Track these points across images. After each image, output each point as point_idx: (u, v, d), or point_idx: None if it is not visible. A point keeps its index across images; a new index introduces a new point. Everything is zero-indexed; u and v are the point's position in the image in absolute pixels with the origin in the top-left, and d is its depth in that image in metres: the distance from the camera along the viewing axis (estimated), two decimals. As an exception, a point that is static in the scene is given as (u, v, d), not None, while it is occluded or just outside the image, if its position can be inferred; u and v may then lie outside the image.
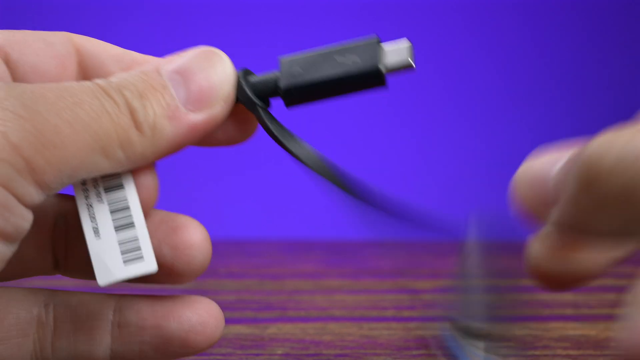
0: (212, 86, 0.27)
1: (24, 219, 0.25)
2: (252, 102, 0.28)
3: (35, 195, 0.25)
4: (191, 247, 0.29)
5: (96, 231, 0.27)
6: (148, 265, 0.27)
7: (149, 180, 0.28)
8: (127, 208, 0.28)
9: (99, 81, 0.26)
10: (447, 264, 0.57)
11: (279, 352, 0.38)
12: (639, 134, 0.22)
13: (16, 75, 0.28)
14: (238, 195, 1.24)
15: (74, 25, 1.28)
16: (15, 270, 0.29)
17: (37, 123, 0.24)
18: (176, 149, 0.27)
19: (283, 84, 0.28)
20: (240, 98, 0.28)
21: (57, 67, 0.29)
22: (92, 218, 0.28)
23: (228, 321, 0.43)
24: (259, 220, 1.12)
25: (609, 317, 0.44)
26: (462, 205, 1.26)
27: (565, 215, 0.24)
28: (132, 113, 0.26)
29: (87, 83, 0.26)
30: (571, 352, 0.38)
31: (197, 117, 0.27)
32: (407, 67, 0.28)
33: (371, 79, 0.28)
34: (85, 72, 0.29)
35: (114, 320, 0.29)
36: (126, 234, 0.28)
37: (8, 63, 0.28)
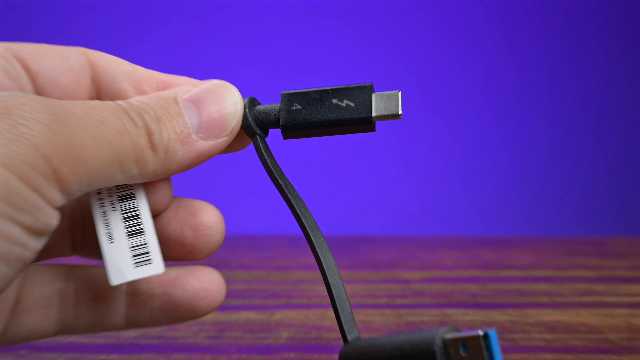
0: (222, 118, 0.28)
1: (52, 218, 0.25)
2: (252, 131, 0.28)
3: (60, 200, 0.25)
4: (209, 228, 0.29)
5: (110, 236, 0.28)
6: (156, 268, 0.28)
7: (161, 190, 0.29)
8: (137, 216, 0.28)
9: (122, 103, 0.27)
10: (434, 257, 0.57)
11: (285, 335, 0.38)
12: None
13: (35, 85, 0.29)
14: (248, 197, 1.24)
15: (73, 25, 1.24)
16: (40, 254, 0.29)
17: (66, 137, 0.25)
18: (183, 169, 0.28)
19: (282, 120, 0.28)
20: (243, 125, 0.28)
21: (73, 80, 0.29)
22: (106, 224, 0.28)
23: (238, 308, 0.43)
24: (266, 218, 1.12)
25: (580, 305, 0.44)
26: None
27: None
28: (150, 135, 0.26)
29: (110, 103, 0.26)
30: (546, 336, 0.38)
31: (205, 145, 0.27)
32: (396, 118, 0.28)
33: (363, 125, 0.28)
34: (99, 85, 0.30)
35: (127, 289, 0.29)
36: (137, 240, 0.28)
37: (28, 73, 0.29)
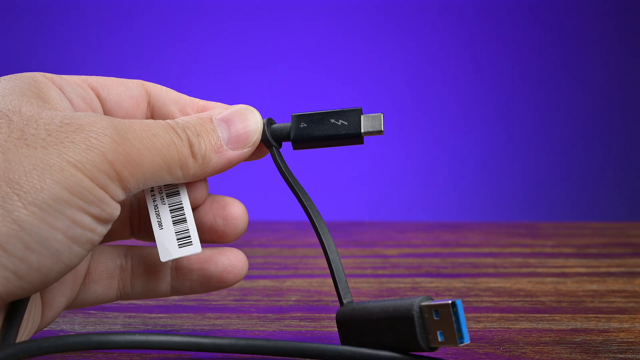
0: (246, 134, 0.28)
1: (115, 209, 0.25)
2: (270, 144, 0.29)
3: (121, 195, 0.25)
4: (236, 218, 0.29)
5: (160, 224, 0.28)
6: (195, 248, 0.28)
7: (199, 188, 0.29)
8: (181, 208, 0.28)
9: (170, 121, 0.27)
10: (406, 237, 0.57)
11: (293, 299, 0.38)
12: None
13: (104, 108, 0.29)
14: (265, 192, 1.22)
15: (75, 24, 1.19)
16: (105, 238, 0.30)
17: (126, 147, 0.25)
18: (217, 173, 0.28)
19: (292, 135, 0.29)
20: (263, 139, 0.29)
21: (133, 105, 0.30)
22: (157, 214, 0.28)
23: (257, 277, 0.43)
24: (278, 207, 1.11)
25: (518, 274, 0.43)
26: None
27: None
28: (191, 146, 0.27)
29: (161, 122, 0.27)
30: (493, 299, 0.37)
31: (234, 154, 0.28)
32: (379, 133, 0.29)
33: (354, 139, 0.29)
34: (152, 108, 0.30)
35: (172, 265, 0.30)
36: (180, 227, 0.28)
37: (99, 98, 0.29)
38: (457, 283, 0.41)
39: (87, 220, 0.24)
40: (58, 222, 0.24)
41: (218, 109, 0.29)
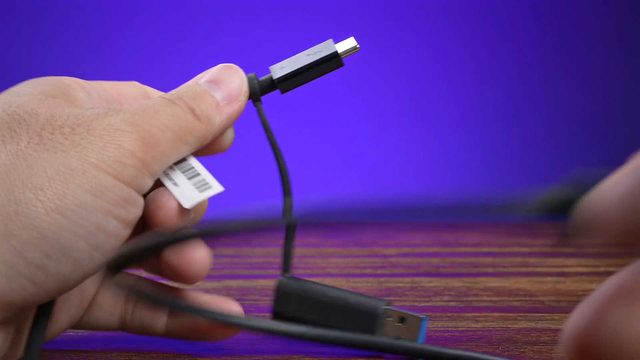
0: (237, 87, 0.29)
1: (139, 208, 0.25)
2: (257, 96, 0.29)
3: (149, 182, 0.25)
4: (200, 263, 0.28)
5: (175, 184, 0.27)
6: (216, 188, 0.28)
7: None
8: (192, 167, 0.28)
9: (164, 95, 0.28)
10: (406, 237, 0.57)
11: (292, 298, 0.38)
12: None
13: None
14: (268, 194, 1.22)
15: (73, 24, 1.18)
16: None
17: (139, 133, 0.25)
18: (224, 129, 0.28)
19: (276, 77, 0.29)
20: (251, 93, 0.29)
21: (141, 96, 0.30)
22: (169, 178, 0.27)
23: (256, 277, 0.43)
24: (278, 206, 1.11)
25: (517, 274, 0.43)
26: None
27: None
28: (192, 111, 0.27)
29: (157, 98, 0.27)
30: (493, 298, 0.37)
31: (232, 108, 0.28)
32: (355, 49, 0.29)
33: (333, 61, 0.29)
34: None
35: None
36: (196, 179, 0.28)
37: (112, 98, 0.29)
38: (456, 282, 0.41)
39: (112, 225, 0.24)
40: (81, 229, 0.23)
41: (199, 75, 0.29)
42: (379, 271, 0.44)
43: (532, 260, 0.47)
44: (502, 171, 1.24)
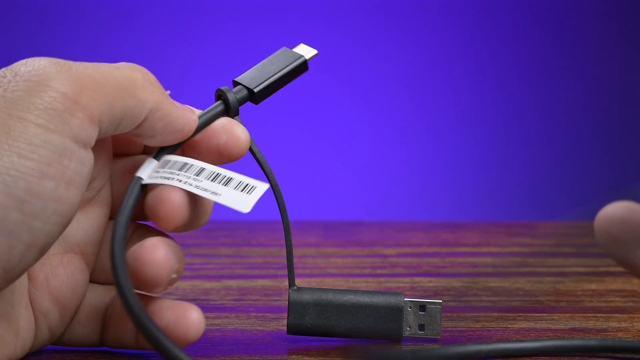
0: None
1: (82, 164, 0.22)
2: (237, 111, 0.29)
3: (92, 131, 0.22)
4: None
5: (215, 194, 0.26)
6: (262, 187, 0.27)
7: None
8: (218, 174, 0.27)
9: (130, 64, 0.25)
10: (406, 237, 0.57)
11: (291, 298, 0.38)
12: None
13: None
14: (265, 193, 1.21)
15: (73, 24, 1.17)
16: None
17: (75, 76, 0.22)
18: (189, 122, 0.26)
19: (257, 90, 0.29)
20: (233, 108, 0.28)
21: None
22: (205, 190, 0.26)
23: (256, 277, 0.43)
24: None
25: (517, 274, 0.43)
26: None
27: None
28: (151, 81, 0.25)
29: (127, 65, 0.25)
30: (492, 298, 0.37)
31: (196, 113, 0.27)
32: (315, 55, 0.30)
33: (301, 67, 0.30)
34: None
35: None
36: (232, 183, 0.27)
37: None
38: (455, 282, 0.41)
39: (49, 187, 0.21)
40: (8, 199, 0.20)
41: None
42: (379, 271, 0.44)
43: (531, 260, 0.47)
44: (502, 171, 1.24)
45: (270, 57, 0.30)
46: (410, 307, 0.29)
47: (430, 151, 1.24)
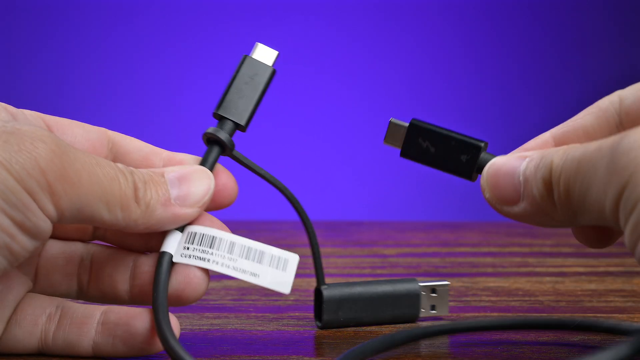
0: (198, 195, 0.27)
1: (43, 222, 0.24)
2: (233, 148, 0.29)
3: (52, 212, 0.24)
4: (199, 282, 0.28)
5: (253, 275, 0.27)
6: (294, 260, 0.28)
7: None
8: (250, 249, 0.27)
9: (119, 164, 0.26)
10: (405, 237, 0.57)
11: (292, 298, 0.38)
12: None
13: None
14: (263, 193, 1.22)
15: (73, 24, 1.17)
16: (46, 290, 0.28)
17: (64, 161, 0.24)
18: (163, 227, 0.27)
19: (243, 122, 0.29)
20: (225, 145, 0.28)
21: (89, 148, 0.28)
22: (243, 272, 0.27)
23: (256, 277, 0.43)
24: (277, 207, 1.11)
25: (517, 274, 0.43)
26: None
27: (530, 207, 0.25)
28: (136, 190, 0.26)
29: (109, 161, 0.26)
30: (492, 298, 0.37)
31: (181, 211, 0.27)
32: (277, 56, 0.29)
33: (272, 76, 0.29)
34: (114, 157, 0.29)
35: (98, 319, 0.28)
36: (266, 258, 0.27)
37: None
38: (455, 282, 0.41)
39: (6, 223, 0.23)
40: None
41: (173, 167, 0.28)
42: (379, 271, 0.44)
43: (531, 260, 0.47)
44: None
45: (239, 74, 0.29)
46: (424, 292, 0.32)
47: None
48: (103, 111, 1.12)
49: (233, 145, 0.29)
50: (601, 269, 0.44)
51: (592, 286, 0.40)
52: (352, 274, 0.44)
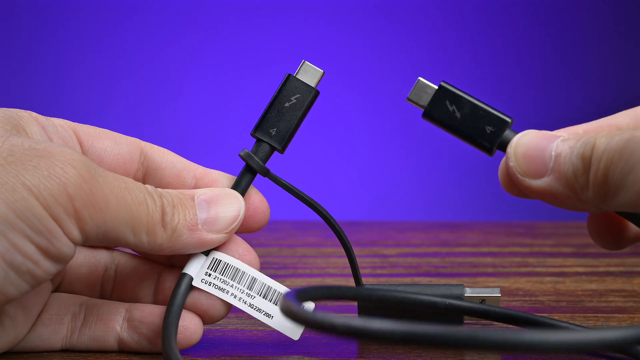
0: (225, 219, 0.27)
1: (67, 247, 0.24)
2: (265, 169, 0.28)
3: (77, 236, 0.24)
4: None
5: (266, 316, 0.28)
6: (310, 305, 0.28)
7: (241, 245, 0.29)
8: (269, 288, 0.28)
9: (148, 186, 0.26)
10: (405, 237, 0.57)
11: (291, 298, 0.38)
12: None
13: None
14: (264, 188, 1.22)
15: (73, 24, 1.17)
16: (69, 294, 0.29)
17: (92, 187, 0.24)
18: (188, 251, 0.27)
19: (281, 146, 0.28)
20: (258, 169, 0.28)
21: (118, 163, 0.28)
22: (258, 310, 0.27)
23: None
24: (279, 206, 1.11)
25: (517, 274, 0.43)
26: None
27: (557, 182, 0.24)
28: (163, 214, 0.26)
29: (139, 183, 0.26)
30: (492, 299, 0.37)
31: (208, 236, 0.27)
32: (322, 75, 0.29)
33: (315, 98, 0.29)
34: (146, 171, 0.29)
35: (124, 315, 0.28)
36: (274, 295, 0.28)
37: (82, 148, 0.28)
38: (455, 282, 0.41)
39: (30, 249, 0.23)
40: None
41: (203, 189, 0.27)
42: (379, 271, 0.44)
43: (531, 260, 0.47)
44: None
45: (281, 93, 0.28)
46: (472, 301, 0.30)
47: (430, 151, 1.24)
48: (103, 111, 1.12)
49: (266, 171, 0.28)
50: (601, 269, 0.44)
51: (593, 286, 0.40)
52: (352, 274, 0.44)
